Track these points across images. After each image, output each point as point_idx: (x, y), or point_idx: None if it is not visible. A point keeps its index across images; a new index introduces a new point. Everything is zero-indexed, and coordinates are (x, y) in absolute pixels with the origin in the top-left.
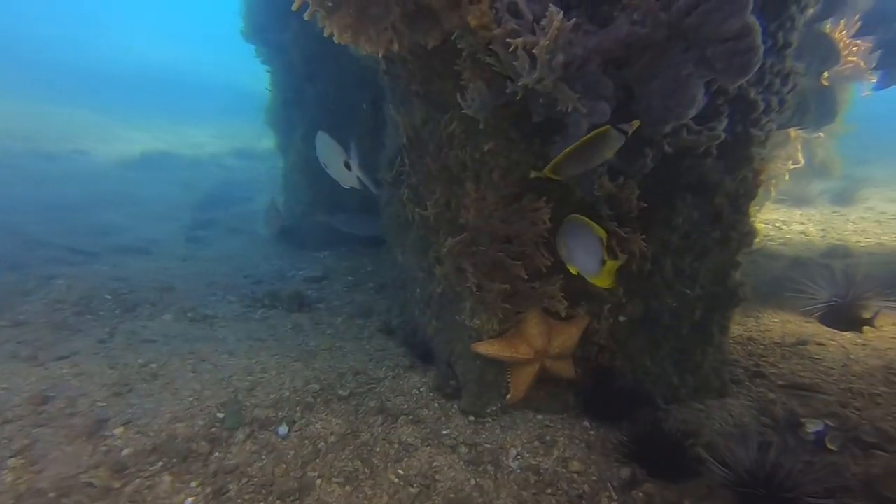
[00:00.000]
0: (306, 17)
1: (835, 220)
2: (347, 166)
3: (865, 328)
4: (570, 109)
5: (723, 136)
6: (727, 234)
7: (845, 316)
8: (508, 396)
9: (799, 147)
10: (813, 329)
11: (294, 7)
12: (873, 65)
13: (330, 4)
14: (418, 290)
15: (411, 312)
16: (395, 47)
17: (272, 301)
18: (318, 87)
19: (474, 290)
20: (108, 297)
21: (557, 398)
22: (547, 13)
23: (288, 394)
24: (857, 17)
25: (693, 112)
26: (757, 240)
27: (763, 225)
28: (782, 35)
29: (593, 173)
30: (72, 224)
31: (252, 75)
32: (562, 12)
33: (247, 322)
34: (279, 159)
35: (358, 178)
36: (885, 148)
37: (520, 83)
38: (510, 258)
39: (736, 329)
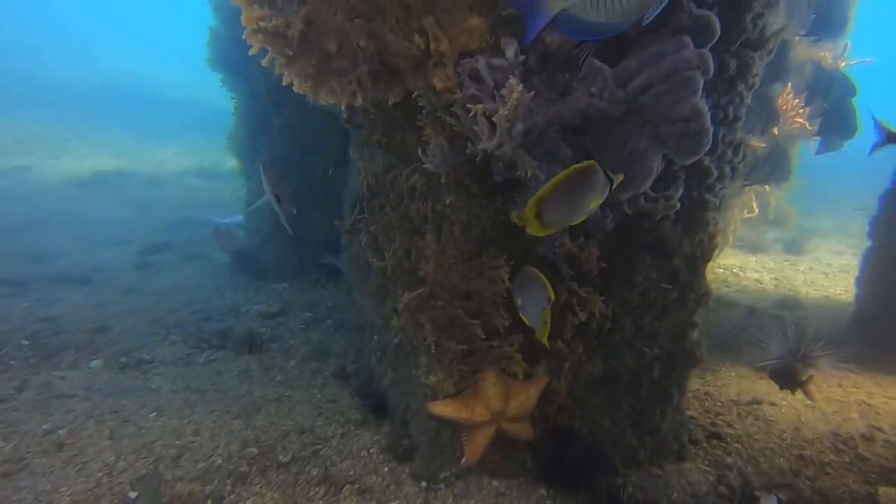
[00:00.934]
0: (264, 63)
1: (786, 268)
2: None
3: (800, 391)
4: (528, 175)
5: (678, 205)
6: (685, 295)
7: (791, 374)
8: (463, 460)
9: (754, 197)
10: (766, 387)
11: (251, 52)
12: (816, 130)
13: (290, 53)
14: (376, 336)
15: (368, 359)
16: (359, 101)
17: (221, 341)
18: (284, 117)
19: (431, 347)
20: (26, 341)
21: (514, 461)
22: (507, 83)
23: (220, 462)
24: (804, 90)
25: (649, 183)
26: (714, 286)
27: (721, 270)
28: (732, 109)
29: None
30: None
31: (222, 92)
32: (521, 84)
33: (188, 367)
34: (243, 182)
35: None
36: (832, 199)
37: (479, 147)
38: (468, 316)
39: (694, 383)
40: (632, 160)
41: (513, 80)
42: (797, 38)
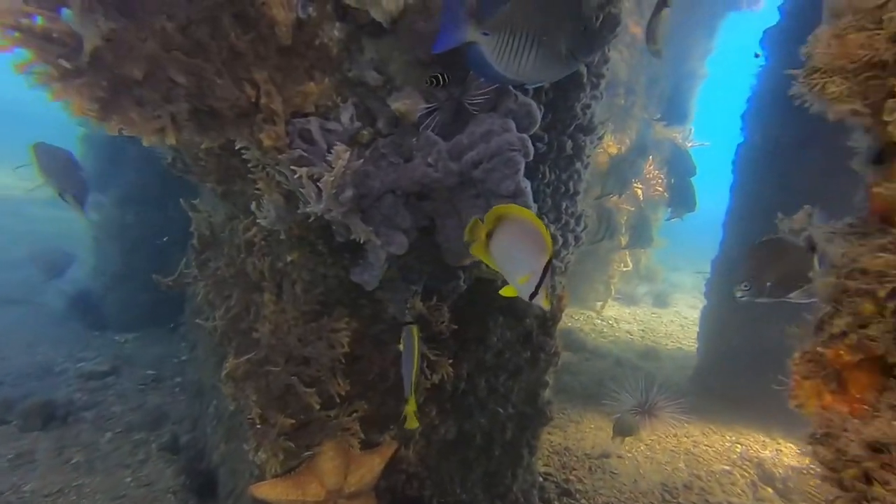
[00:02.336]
0: (17, 69)
1: (653, 321)
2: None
3: (629, 438)
4: (362, 241)
5: None
6: (536, 355)
7: (626, 426)
8: None
9: (627, 254)
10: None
11: (16, 71)
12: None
13: (68, 65)
14: (215, 400)
15: (204, 428)
16: (170, 140)
17: (2, 415)
18: (141, 148)
19: (257, 421)
20: None
21: None
22: (334, 149)
23: None
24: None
25: None
26: (592, 336)
27: (600, 321)
28: (572, 184)
29: (406, 292)
30: None
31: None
32: (349, 150)
33: None
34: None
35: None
36: (692, 258)
37: (307, 210)
38: (305, 384)
39: (557, 436)
40: None
41: (339, 147)
42: (654, 121)
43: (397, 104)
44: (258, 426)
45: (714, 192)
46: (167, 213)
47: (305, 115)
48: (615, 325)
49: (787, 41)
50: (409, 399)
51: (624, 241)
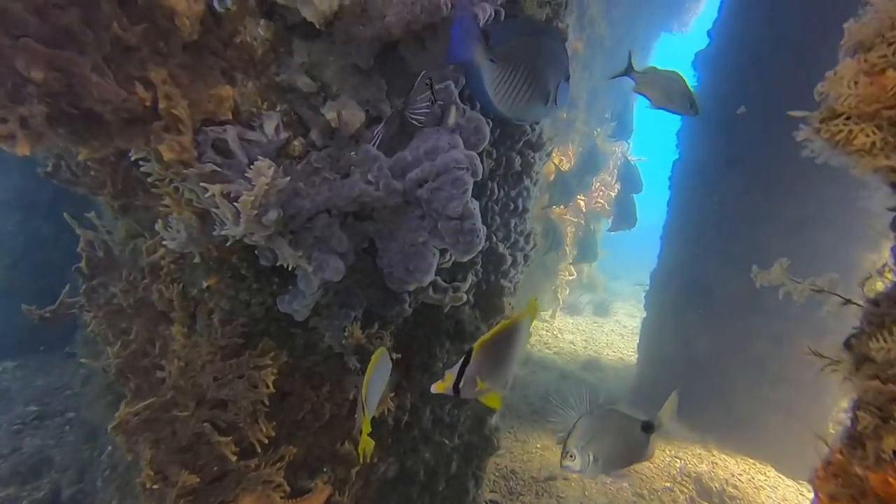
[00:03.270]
0: None
1: (595, 330)
2: None
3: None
4: (290, 267)
5: (465, 297)
6: None
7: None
8: None
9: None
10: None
11: None
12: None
13: None
14: (110, 447)
15: (94, 479)
16: (22, 150)
17: None
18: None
19: (149, 483)
20: None
21: None
22: (255, 165)
23: None
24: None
25: (430, 277)
26: (538, 348)
27: (546, 332)
28: (521, 202)
29: (344, 319)
30: None
31: None
32: (273, 166)
33: None
34: None
35: None
36: (630, 266)
37: (223, 233)
38: (219, 430)
39: (504, 459)
40: (413, 252)
41: (261, 163)
42: (604, 137)
43: (332, 113)
44: (153, 488)
45: (652, 204)
46: (56, 224)
47: (222, 124)
48: (559, 335)
49: (717, 65)
50: (362, 425)
51: (571, 255)
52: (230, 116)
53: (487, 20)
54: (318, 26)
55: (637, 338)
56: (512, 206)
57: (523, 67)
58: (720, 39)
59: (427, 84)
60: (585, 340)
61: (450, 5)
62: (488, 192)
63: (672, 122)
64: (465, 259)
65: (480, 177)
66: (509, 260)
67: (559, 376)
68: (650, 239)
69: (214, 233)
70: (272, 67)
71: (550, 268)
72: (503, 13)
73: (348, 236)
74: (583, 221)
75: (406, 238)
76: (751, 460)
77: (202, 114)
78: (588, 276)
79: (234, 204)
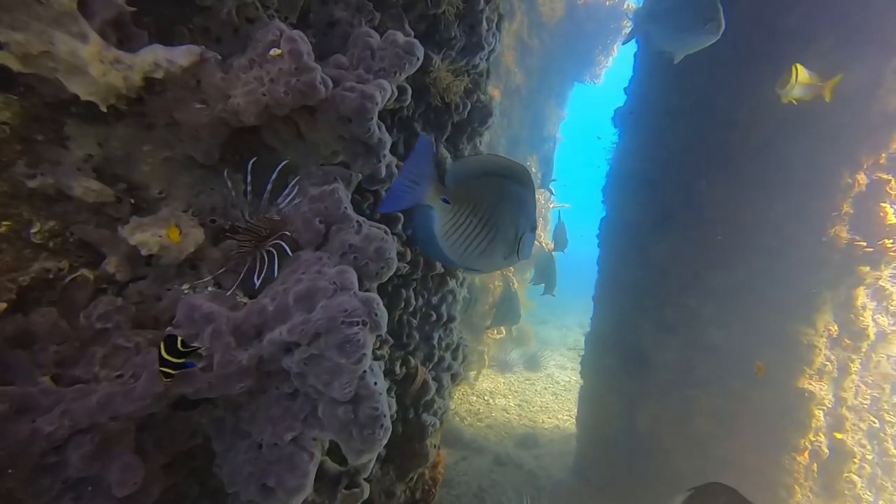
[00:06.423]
0: None
1: (527, 390)
2: None
3: None
4: None
5: (366, 493)
6: None
7: None
8: None
9: None
10: None
11: None
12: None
13: None
14: None
15: None
16: None
17: None
18: None
19: None
20: None
21: None
22: None
23: None
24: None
25: (308, 491)
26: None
27: (476, 398)
28: (446, 309)
29: None
30: None
31: None
32: None
33: None
34: None
35: None
36: (555, 309)
37: None
38: None
39: None
40: (275, 457)
41: None
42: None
43: (140, 235)
44: None
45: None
46: None
47: None
48: (491, 400)
49: (636, 122)
50: None
51: (489, 319)
52: None
53: (385, 101)
54: (101, 108)
55: (570, 394)
56: (434, 317)
57: (483, 212)
58: (636, 98)
59: (295, 182)
60: (519, 405)
61: (329, 84)
62: (402, 304)
63: (591, 171)
64: (363, 461)
65: (384, 329)
66: (433, 388)
67: (494, 461)
68: (574, 272)
69: None
70: (19, 166)
71: (477, 325)
72: (408, 90)
73: (154, 443)
74: (508, 284)
75: (264, 433)
76: None
77: None
78: (518, 330)
79: None
